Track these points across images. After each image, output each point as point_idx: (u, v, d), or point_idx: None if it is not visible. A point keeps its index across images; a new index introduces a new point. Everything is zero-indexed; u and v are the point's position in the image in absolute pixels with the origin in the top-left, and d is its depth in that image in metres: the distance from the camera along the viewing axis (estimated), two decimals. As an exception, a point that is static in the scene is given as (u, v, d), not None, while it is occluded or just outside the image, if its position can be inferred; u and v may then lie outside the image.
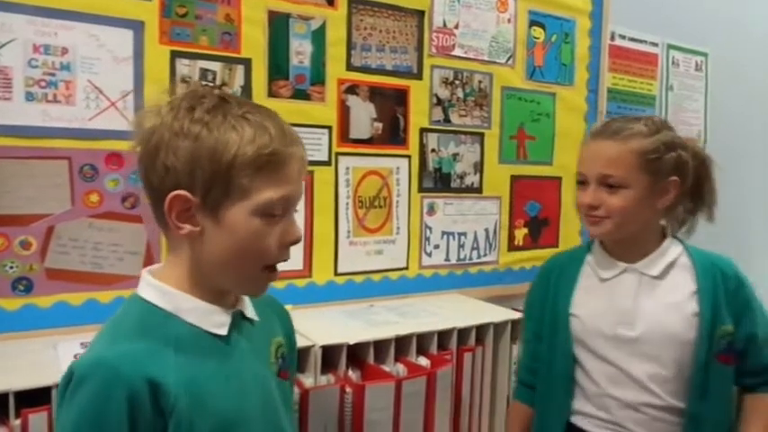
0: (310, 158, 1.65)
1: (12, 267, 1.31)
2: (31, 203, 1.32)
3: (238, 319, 0.82)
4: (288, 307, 1.62)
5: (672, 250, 1.16)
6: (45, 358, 1.19)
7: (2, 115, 1.28)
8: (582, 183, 1.14)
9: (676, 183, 1.12)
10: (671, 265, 1.15)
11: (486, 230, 2.01)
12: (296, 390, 1.26)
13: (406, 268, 1.86)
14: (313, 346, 1.33)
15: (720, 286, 1.13)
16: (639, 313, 1.12)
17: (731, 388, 1.16)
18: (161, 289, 0.77)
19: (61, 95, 1.34)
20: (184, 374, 0.73)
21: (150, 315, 0.76)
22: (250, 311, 0.85)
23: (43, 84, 1.32)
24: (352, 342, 1.38)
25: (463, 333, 1.55)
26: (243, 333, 0.82)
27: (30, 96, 1.31)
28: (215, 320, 0.79)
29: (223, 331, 0.79)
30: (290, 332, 0.97)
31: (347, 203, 1.74)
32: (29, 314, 1.33)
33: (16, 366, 1.16)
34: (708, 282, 1.12)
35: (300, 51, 1.63)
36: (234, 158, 0.72)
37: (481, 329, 1.59)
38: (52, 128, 1.33)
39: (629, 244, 1.15)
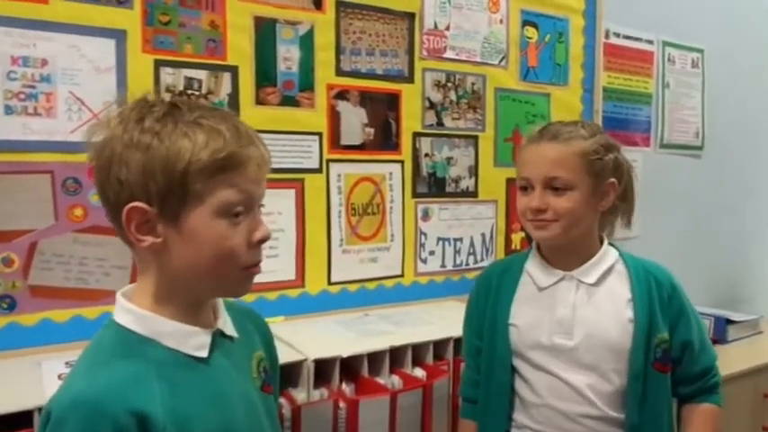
0: (300, 166, 1.65)
1: (-6, 285, 1.28)
2: (12, 219, 1.29)
3: (218, 337, 0.80)
4: (280, 318, 1.62)
5: (608, 257, 1.15)
6: (28, 379, 1.16)
7: (-20, 130, 1.25)
8: (524, 188, 1.12)
9: (615, 185, 1.11)
10: (607, 272, 1.13)
11: (483, 235, 1.98)
12: (288, 406, 1.24)
13: (402, 276, 1.82)
14: (305, 360, 1.30)
15: (655, 294, 1.11)
16: (577, 322, 1.10)
17: (670, 397, 1.14)
18: (136, 313, 0.75)
19: (42, 108, 1.31)
20: (169, 402, 0.70)
21: (127, 342, 0.74)
22: (229, 328, 0.83)
23: (23, 96, 1.29)
24: (345, 355, 1.34)
25: (460, 342, 1.51)
26: (223, 352, 0.80)
27: (9, 110, 1.28)
28: (195, 342, 0.77)
29: (203, 353, 0.77)
30: (269, 344, 0.94)
31: (339, 211, 1.71)
32: (12, 333, 1.30)
33: (-1, 388, 1.12)
34: (642, 289, 1.11)
35: (288, 57, 1.60)
36: (188, 165, 0.71)
37: (478, 338, 1.56)
38: (33, 141, 1.30)
39: (568, 251, 1.13)
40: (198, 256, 0.73)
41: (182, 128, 0.71)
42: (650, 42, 2.40)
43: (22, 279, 1.30)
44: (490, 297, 1.20)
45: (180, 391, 0.72)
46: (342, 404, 1.27)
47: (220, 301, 0.84)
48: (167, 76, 1.44)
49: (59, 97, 1.32)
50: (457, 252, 1.93)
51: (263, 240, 0.77)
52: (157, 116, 0.72)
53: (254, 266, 0.78)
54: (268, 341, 0.94)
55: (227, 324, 0.83)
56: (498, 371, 1.16)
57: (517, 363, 1.15)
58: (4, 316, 1.29)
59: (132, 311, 0.75)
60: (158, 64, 1.43)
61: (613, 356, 1.09)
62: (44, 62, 1.30)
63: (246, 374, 0.84)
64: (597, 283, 1.12)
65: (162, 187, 0.70)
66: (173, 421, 0.69)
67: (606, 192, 1.11)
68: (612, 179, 1.11)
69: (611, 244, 1.18)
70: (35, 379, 1.15)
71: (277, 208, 1.61)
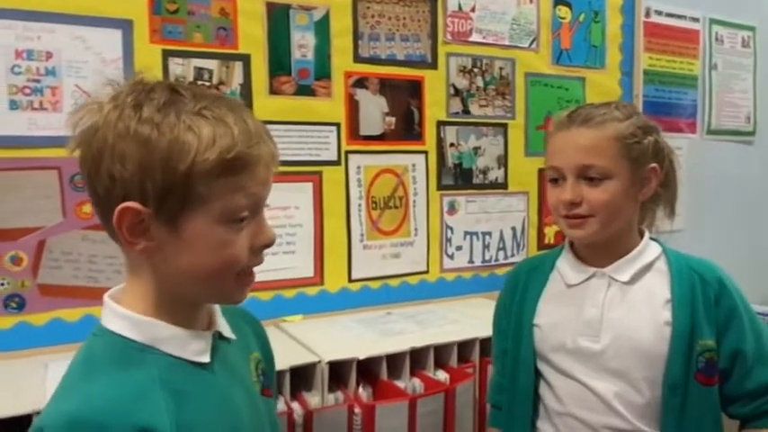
0: (318, 158, 1.58)
1: (2, 284, 1.25)
2: (19, 217, 1.26)
3: (216, 340, 0.74)
4: (298, 317, 1.55)
5: (648, 253, 1.02)
6: (33, 381, 1.13)
7: (-15, 126, 1.22)
8: (555, 180, 1.00)
9: (656, 170, 0.99)
10: (645, 270, 1.01)
11: (513, 229, 1.87)
12: (300, 411, 1.17)
13: (427, 272, 1.74)
14: (319, 362, 1.23)
15: (699, 294, 0.97)
16: (606, 323, 0.99)
17: (718, 416, 0.99)
18: (130, 318, 0.68)
19: (48, 102, 1.27)
20: (175, 413, 0.64)
21: (125, 351, 0.67)
22: (227, 330, 0.77)
23: (28, 91, 1.26)
24: (361, 357, 1.27)
25: (486, 343, 1.41)
26: (223, 355, 0.74)
27: (14, 105, 1.25)
28: (195, 347, 0.70)
29: (206, 358, 0.71)
30: (265, 345, 0.88)
31: (359, 205, 1.63)
32: (22, 332, 1.27)
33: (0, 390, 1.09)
34: (684, 288, 0.97)
35: (303, 44, 1.53)
36: (192, 165, 0.63)
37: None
38: (39, 137, 1.27)
39: (604, 246, 1.01)
40: (195, 262, 0.66)
41: (185, 120, 0.63)
42: (696, 20, 2.24)
43: (31, 278, 1.28)
44: (517, 295, 1.10)
45: (185, 400, 0.66)
46: (357, 409, 1.20)
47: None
48: (176, 66, 1.39)
49: (65, 91, 1.29)
50: (486, 247, 1.83)
51: (268, 246, 0.70)
52: (158, 104, 0.64)
53: (249, 274, 0.71)
54: (264, 342, 0.88)
55: (223, 326, 0.77)
56: (522, 375, 1.06)
57: (541, 366, 1.05)
58: (14, 316, 1.27)
59: (128, 317, 0.68)
60: (167, 54, 1.38)
61: (645, 363, 0.96)
62: (49, 55, 1.27)
63: (247, 379, 0.79)
64: (632, 282, 1.00)
65: (160, 187, 0.63)
66: None
67: (648, 178, 0.99)
68: (654, 164, 0.99)
69: (654, 239, 1.05)
70: (39, 381, 1.12)
71: (294, 202, 1.55)
